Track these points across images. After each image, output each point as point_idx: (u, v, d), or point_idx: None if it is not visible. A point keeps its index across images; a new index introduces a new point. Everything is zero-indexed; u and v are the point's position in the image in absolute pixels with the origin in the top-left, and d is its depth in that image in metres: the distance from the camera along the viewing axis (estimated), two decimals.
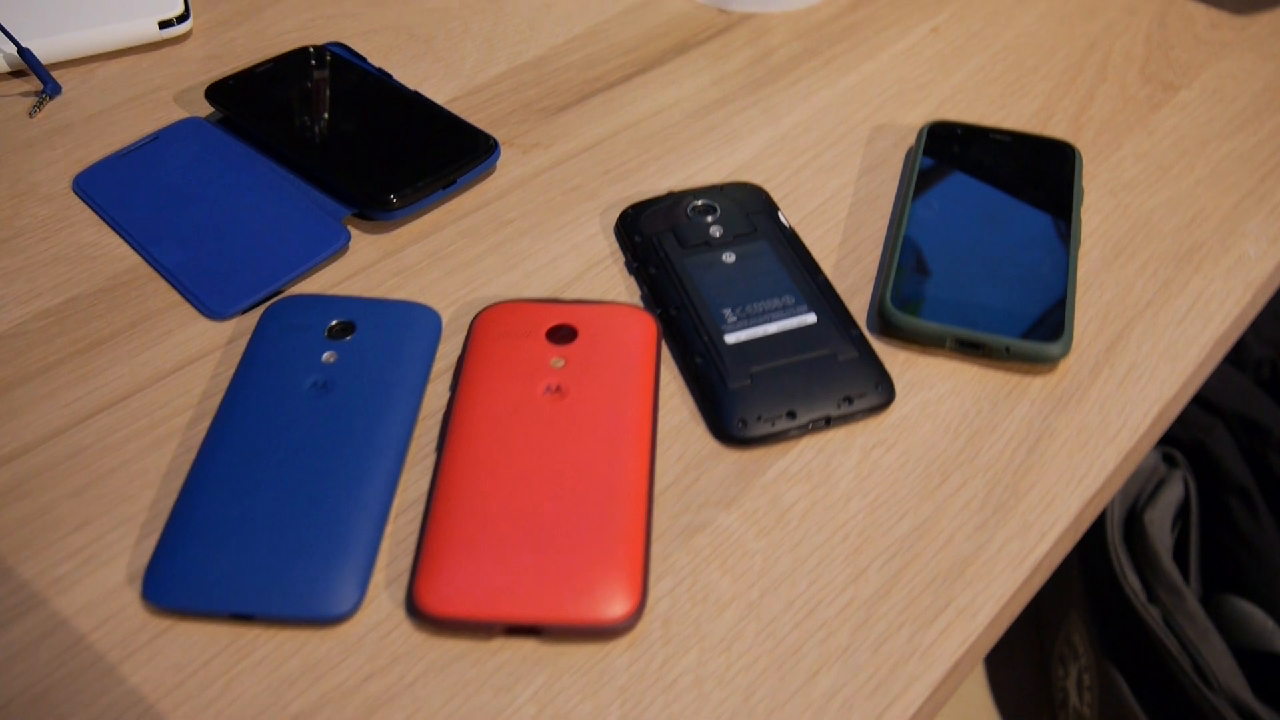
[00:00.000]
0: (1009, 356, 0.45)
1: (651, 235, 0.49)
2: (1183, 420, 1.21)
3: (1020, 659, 1.24)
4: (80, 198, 0.52)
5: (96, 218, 0.51)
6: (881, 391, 0.43)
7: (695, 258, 0.48)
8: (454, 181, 0.51)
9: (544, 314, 0.45)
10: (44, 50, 0.59)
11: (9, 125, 0.56)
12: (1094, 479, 0.42)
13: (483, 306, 0.47)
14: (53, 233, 0.50)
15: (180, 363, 0.45)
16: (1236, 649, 1.06)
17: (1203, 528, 1.17)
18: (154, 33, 0.60)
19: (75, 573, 0.38)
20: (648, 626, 0.37)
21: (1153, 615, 1.09)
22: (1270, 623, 1.07)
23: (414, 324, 0.45)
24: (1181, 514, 1.18)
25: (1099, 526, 1.17)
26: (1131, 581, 1.12)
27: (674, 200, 0.51)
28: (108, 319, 0.46)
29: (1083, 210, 0.53)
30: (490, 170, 0.54)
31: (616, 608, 0.36)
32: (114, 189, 0.52)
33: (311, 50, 0.59)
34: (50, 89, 0.57)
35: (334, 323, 0.44)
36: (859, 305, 0.48)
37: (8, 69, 0.59)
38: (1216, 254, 0.51)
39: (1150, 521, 1.14)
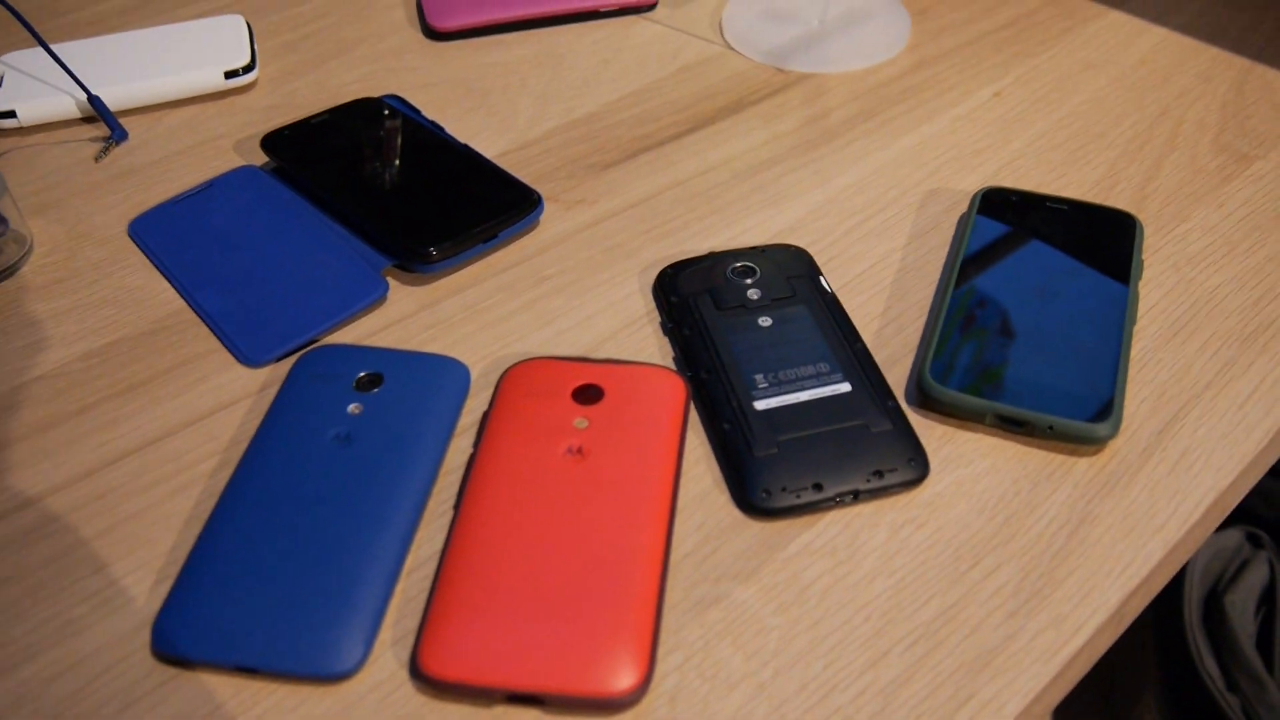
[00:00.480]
0: (1052, 435, 0.43)
1: (688, 296, 0.48)
2: (1268, 498, 1.15)
3: None
4: (134, 242, 0.53)
5: (147, 262, 0.52)
6: (915, 467, 0.42)
7: (730, 320, 0.47)
8: (495, 236, 0.52)
9: (571, 373, 0.44)
10: (114, 98, 0.60)
11: (76, 169, 0.58)
12: (1137, 570, 0.39)
13: (513, 363, 0.46)
14: (104, 275, 0.52)
15: (212, 409, 0.45)
16: None
17: None
18: (220, 82, 0.62)
19: (89, 616, 0.38)
20: (653, 702, 0.36)
21: (1231, 705, 1.03)
22: None
23: (442, 378, 0.45)
24: (1267, 598, 1.12)
25: (1176, 608, 1.11)
26: (1209, 667, 1.06)
27: (713, 261, 0.50)
28: (147, 362, 0.47)
29: (1141, 284, 0.50)
30: (533, 225, 0.54)
31: (621, 681, 0.35)
32: (166, 234, 0.53)
33: (366, 101, 0.60)
34: (117, 135, 0.59)
35: (362, 374, 0.44)
36: (898, 376, 0.46)
37: (79, 115, 0.61)
38: None
39: (1232, 604, 1.09)
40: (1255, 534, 1.15)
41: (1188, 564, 1.13)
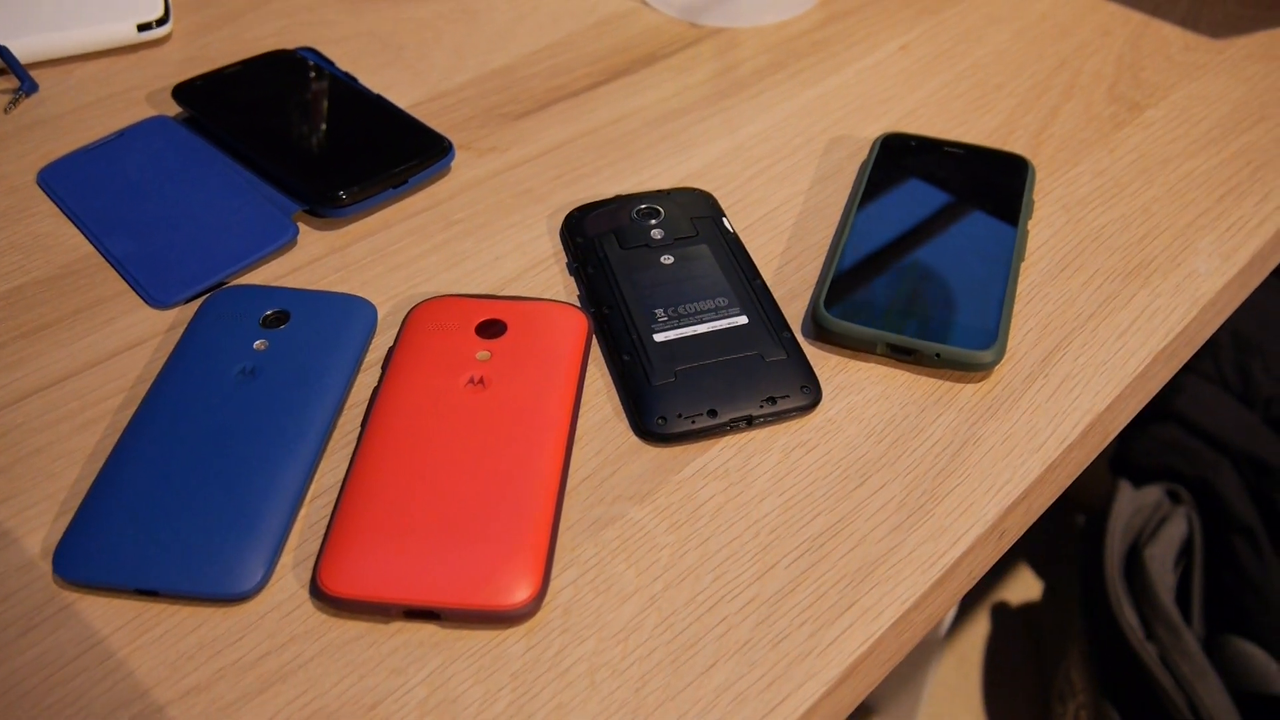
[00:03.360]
0: (940, 363, 0.44)
1: (594, 236, 0.49)
2: (1188, 456, 1.19)
3: (1020, 695, 1.23)
4: (43, 190, 0.53)
5: (56, 210, 0.52)
6: (807, 393, 0.43)
7: (633, 259, 0.48)
8: (405, 181, 0.52)
9: (476, 309, 0.45)
10: (23, 49, 0.60)
11: None
12: (1015, 486, 0.41)
13: (420, 301, 0.47)
14: (11, 223, 0.52)
15: (119, 348, 0.46)
16: (1238, 690, 1.04)
17: (1207, 567, 1.15)
18: (132, 35, 0.62)
19: None
20: (547, 615, 0.37)
21: (1149, 652, 1.07)
22: (1273, 665, 1.04)
23: (348, 315, 0.45)
24: (1185, 552, 1.16)
25: (1098, 561, 1.15)
26: (1129, 618, 1.10)
27: (620, 204, 0.51)
28: (53, 305, 0.47)
29: (1031, 224, 0.52)
30: (444, 171, 0.54)
31: (515, 594, 0.36)
32: (76, 182, 0.53)
33: (280, 53, 0.60)
34: (26, 87, 0.59)
35: (269, 312, 0.45)
36: (795, 310, 0.48)
37: None
38: (1166, 270, 0.50)
39: (1151, 558, 1.12)
40: (1175, 490, 1.18)
41: (1109, 519, 1.16)
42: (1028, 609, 1.30)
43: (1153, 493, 1.20)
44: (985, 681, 1.25)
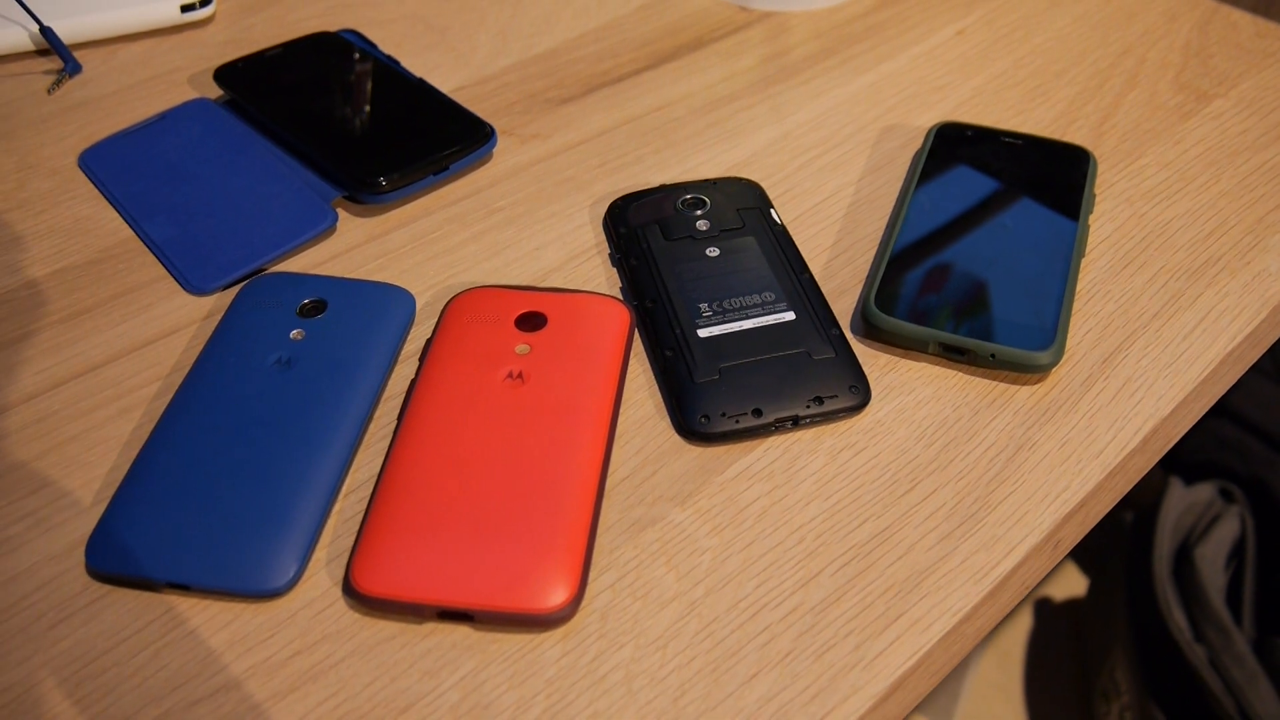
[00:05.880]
0: (994, 364, 0.43)
1: (637, 227, 0.48)
2: (1243, 454, 1.16)
3: (1063, 694, 1.21)
4: (84, 173, 0.53)
5: (96, 192, 0.52)
6: (855, 393, 0.42)
7: (678, 251, 0.47)
8: (446, 168, 0.51)
9: (516, 300, 0.44)
10: (68, 30, 0.60)
11: (27, 101, 0.58)
12: (1073, 495, 0.40)
13: (459, 291, 0.46)
14: (52, 205, 0.51)
15: (156, 335, 0.45)
16: None
17: (1259, 568, 1.12)
18: (176, 16, 0.61)
19: (24, 534, 0.38)
20: (584, 619, 0.36)
21: (1198, 655, 1.04)
22: None
23: (386, 305, 0.45)
24: (1237, 552, 1.13)
25: (1146, 561, 1.12)
26: (1178, 619, 1.07)
27: (664, 193, 0.50)
28: (92, 290, 0.47)
29: (1092, 218, 0.50)
30: (486, 158, 0.53)
31: (551, 598, 0.35)
32: (116, 165, 0.52)
33: (322, 36, 0.59)
34: (70, 68, 0.59)
35: (306, 301, 0.44)
36: (845, 306, 0.46)
37: (33, 47, 0.60)
38: (1235, 268, 0.48)
39: (1201, 557, 1.10)
40: (1228, 489, 1.16)
41: (1159, 517, 1.13)
42: (1072, 605, 1.27)
43: (1205, 490, 1.17)
44: (1027, 679, 1.23)
